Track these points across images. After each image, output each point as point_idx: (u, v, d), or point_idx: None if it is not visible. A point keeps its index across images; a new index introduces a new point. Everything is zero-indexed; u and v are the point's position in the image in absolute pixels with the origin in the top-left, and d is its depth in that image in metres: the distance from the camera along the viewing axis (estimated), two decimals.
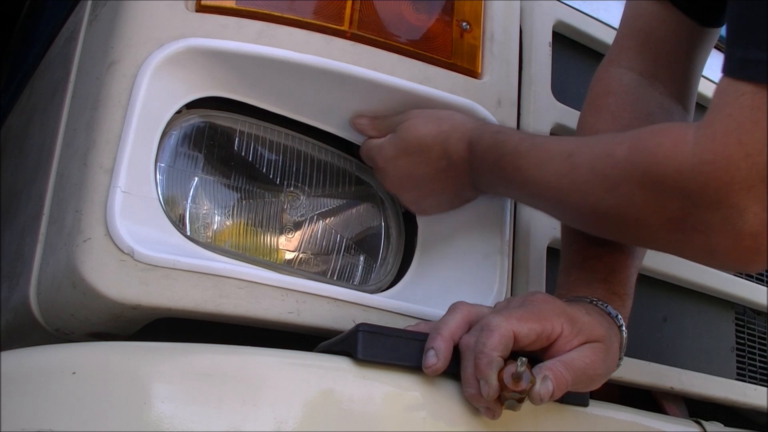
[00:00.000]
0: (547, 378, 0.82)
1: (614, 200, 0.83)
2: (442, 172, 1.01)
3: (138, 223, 0.87)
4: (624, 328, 0.93)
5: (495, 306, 0.90)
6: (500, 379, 0.81)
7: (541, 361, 0.85)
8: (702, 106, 1.37)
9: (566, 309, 0.88)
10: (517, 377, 0.80)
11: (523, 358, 0.80)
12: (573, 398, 0.92)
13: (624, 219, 0.84)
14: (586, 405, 0.94)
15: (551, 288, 1.06)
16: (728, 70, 0.80)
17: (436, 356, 0.83)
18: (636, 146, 0.81)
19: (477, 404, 0.84)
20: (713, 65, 1.41)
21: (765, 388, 1.33)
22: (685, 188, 0.77)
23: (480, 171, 0.98)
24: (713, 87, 1.38)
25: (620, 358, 0.93)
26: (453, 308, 0.88)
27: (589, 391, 0.93)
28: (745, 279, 1.36)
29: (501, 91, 1.11)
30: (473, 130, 0.99)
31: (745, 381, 1.33)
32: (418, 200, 1.05)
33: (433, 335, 0.85)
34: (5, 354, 0.84)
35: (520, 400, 0.82)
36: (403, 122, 1.02)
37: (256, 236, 1.01)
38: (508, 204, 1.08)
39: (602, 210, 0.85)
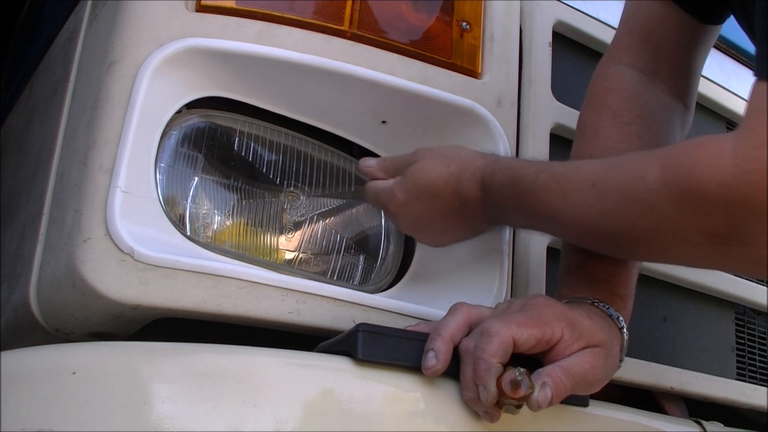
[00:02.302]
0: (546, 385, 0.82)
1: (650, 223, 0.80)
2: (456, 211, 0.99)
3: (138, 223, 0.87)
4: (625, 330, 0.93)
5: (495, 307, 0.90)
6: (499, 386, 0.81)
7: (540, 364, 0.85)
8: (708, 110, 1.37)
9: (567, 313, 0.87)
10: (515, 384, 0.80)
11: (521, 369, 0.80)
12: (573, 399, 0.92)
13: (662, 240, 0.82)
14: (586, 405, 0.94)
15: (551, 288, 1.06)
16: (764, 72, 0.77)
17: (436, 358, 0.83)
18: (670, 165, 0.78)
19: (476, 408, 0.84)
20: (712, 64, 1.41)
21: (765, 388, 1.33)
22: (729, 201, 0.74)
23: (496, 208, 0.95)
24: (712, 87, 1.38)
25: (621, 360, 0.93)
26: (453, 309, 0.88)
27: (589, 393, 0.93)
28: (745, 279, 1.36)
29: (501, 91, 1.11)
30: (484, 168, 0.96)
31: (745, 381, 1.33)
32: (434, 238, 1.05)
33: (433, 336, 0.85)
34: (5, 354, 0.84)
35: (519, 406, 0.82)
36: (411, 164, 1.00)
37: (256, 236, 1.01)
38: None
39: (638, 234, 0.83)
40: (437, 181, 0.98)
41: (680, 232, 0.79)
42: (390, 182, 1.02)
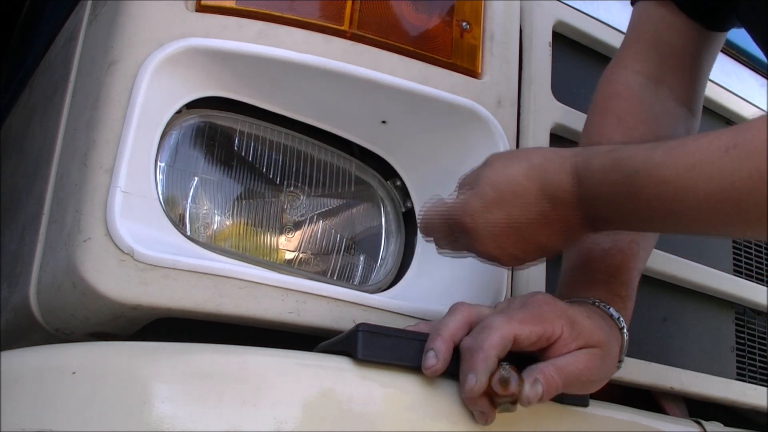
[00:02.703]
0: (538, 381, 0.82)
1: None
2: (545, 214, 0.85)
3: (138, 223, 0.87)
4: (625, 330, 0.93)
5: (495, 307, 0.90)
6: (489, 384, 0.81)
7: (536, 361, 0.85)
8: (708, 109, 1.38)
9: (567, 311, 0.87)
10: (504, 382, 0.80)
11: (507, 365, 0.80)
12: (573, 399, 0.92)
13: None
14: (586, 405, 0.94)
15: (551, 288, 1.06)
16: None
17: (436, 357, 0.83)
18: None
19: (473, 407, 0.84)
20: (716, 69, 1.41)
21: (765, 388, 1.33)
22: None
23: (597, 201, 0.83)
24: (712, 87, 1.38)
25: (620, 361, 0.93)
26: (453, 309, 0.88)
27: (587, 393, 0.93)
28: (745, 279, 1.36)
29: (501, 91, 1.11)
30: (574, 156, 0.85)
31: (745, 381, 1.33)
32: (523, 256, 0.90)
33: (433, 336, 0.85)
34: (5, 354, 0.84)
35: (513, 403, 0.82)
36: (483, 170, 0.89)
37: (256, 236, 1.01)
38: None
39: None
40: (518, 176, 0.85)
41: None
42: (459, 198, 0.89)
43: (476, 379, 0.80)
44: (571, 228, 0.86)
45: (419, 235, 1.10)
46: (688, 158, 0.76)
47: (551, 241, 0.88)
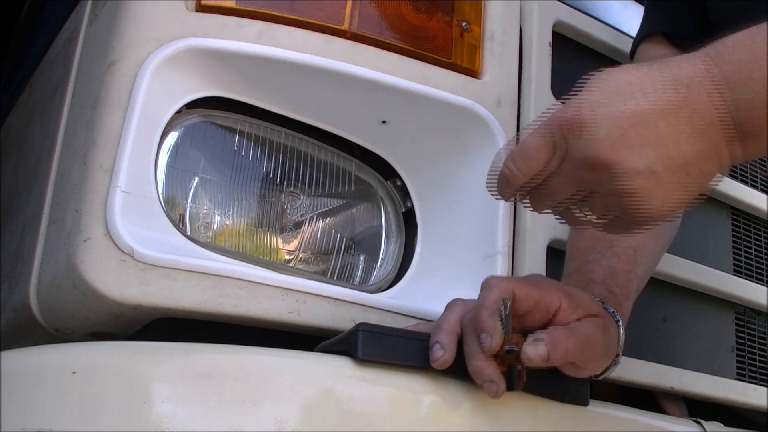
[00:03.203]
0: (540, 341, 0.80)
1: None
2: (673, 105, 0.66)
3: (138, 222, 0.87)
4: (621, 324, 0.92)
5: None
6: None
7: None
8: None
9: (563, 286, 0.87)
10: (506, 319, 0.80)
11: (507, 301, 0.80)
12: (573, 397, 0.92)
13: None
14: (586, 404, 0.94)
15: None
16: None
17: (442, 349, 0.82)
18: None
19: (481, 378, 0.82)
20: None
21: (765, 388, 1.33)
22: None
23: (733, 88, 0.66)
24: None
25: (617, 355, 0.93)
26: (450, 305, 0.88)
27: (587, 373, 0.91)
28: (745, 279, 1.36)
29: (501, 91, 1.11)
30: (703, 52, 0.68)
31: (745, 381, 1.33)
32: (649, 176, 0.68)
33: (436, 331, 0.85)
34: (5, 354, 0.84)
35: (521, 371, 0.81)
36: (588, 79, 0.72)
37: (256, 236, 1.01)
38: (509, 204, 1.08)
39: None
40: (631, 69, 0.70)
41: None
42: (553, 112, 0.72)
43: (490, 337, 0.79)
44: (700, 132, 0.67)
45: (419, 234, 1.10)
46: None
47: (680, 152, 0.67)
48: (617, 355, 0.93)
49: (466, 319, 0.84)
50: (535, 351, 0.79)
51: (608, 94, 0.68)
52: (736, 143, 0.68)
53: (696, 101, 0.67)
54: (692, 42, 0.78)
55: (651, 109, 0.66)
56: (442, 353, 0.82)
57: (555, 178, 0.72)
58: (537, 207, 0.77)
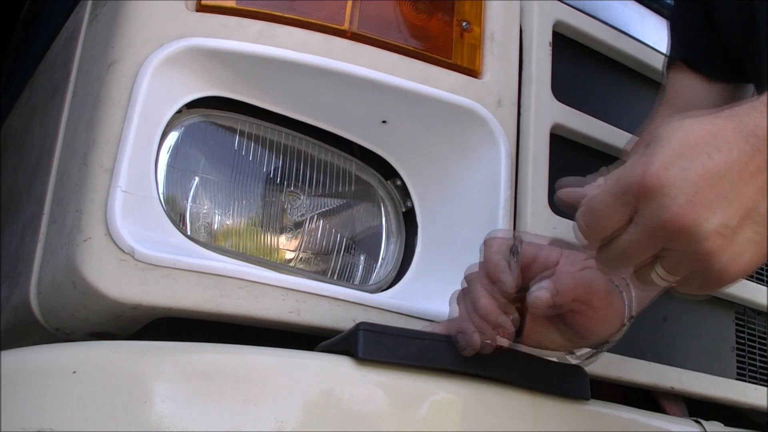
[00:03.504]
0: (544, 284, 0.81)
1: None
2: (748, 163, 0.65)
3: (138, 222, 0.87)
4: (625, 296, 0.86)
5: None
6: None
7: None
8: None
9: (563, 243, 0.87)
10: (514, 251, 0.82)
11: (518, 243, 0.83)
12: (573, 390, 0.92)
13: None
14: (587, 398, 0.94)
15: None
16: None
17: (465, 337, 0.83)
18: None
19: (493, 321, 0.82)
20: None
21: (765, 388, 1.33)
22: None
23: None
24: None
25: (632, 317, 0.87)
26: (454, 298, 0.89)
27: (597, 330, 0.88)
28: (745, 279, 1.36)
29: (501, 91, 1.11)
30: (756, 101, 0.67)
31: (745, 381, 1.33)
32: (729, 233, 0.65)
33: (452, 324, 0.87)
34: (5, 353, 0.84)
35: (521, 316, 0.83)
36: (656, 132, 0.68)
37: (257, 236, 1.01)
38: (508, 204, 1.08)
39: None
40: (702, 124, 0.65)
41: None
42: (619, 170, 0.68)
43: (504, 283, 0.80)
44: None
45: (419, 234, 1.10)
46: None
47: (760, 205, 0.65)
48: (631, 317, 0.87)
49: (470, 274, 0.85)
50: (540, 291, 0.80)
51: (679, 151, 0.65)
52: None
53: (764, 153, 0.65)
54: (710, 64, 0.89)
55: (725, 164, 0.64)
56: (467, 341, 0.83)
57: (626, 238, 0.68)
58: (605, 268, 0.73)
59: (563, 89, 1.19)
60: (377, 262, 1.09)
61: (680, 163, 0.64)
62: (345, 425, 0.78)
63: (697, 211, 0.64)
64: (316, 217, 1.05)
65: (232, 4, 0.96)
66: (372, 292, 1.03)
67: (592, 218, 0.69)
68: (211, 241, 0.98)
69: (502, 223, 1.06)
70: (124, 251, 0.84)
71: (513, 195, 1.09)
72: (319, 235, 1.05)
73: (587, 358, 0.93)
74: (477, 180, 1.08)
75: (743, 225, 0.65)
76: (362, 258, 1.08)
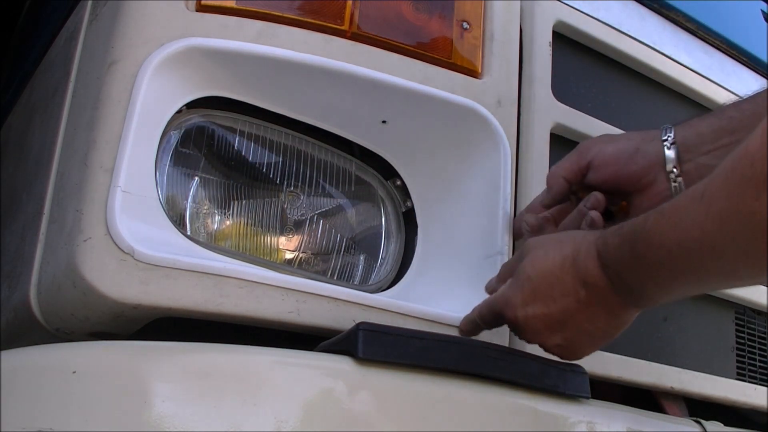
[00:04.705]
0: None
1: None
2: (584, 302, 0.85)
3: (138, 222, 0.87)
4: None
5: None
6: None
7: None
8: (699, 104, 1.38)
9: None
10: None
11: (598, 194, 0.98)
12: (573, 390, 0.92)
13: None
14: (588, 396, 0.94)
15: None
16: None
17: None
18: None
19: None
20: (712, 65, 1.41)
21: (765, 388, 1.33)
22: None
23: (623, 281, 0.83)
24: (712, 86, 1.38)
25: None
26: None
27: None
28: None
29: (501, 91, 1.11)
30: (597, 240, 0.85)
31: (745, 381, 1.33)
32: (567, 344, 0.89)
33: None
34: (5, 353, 0.84)
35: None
36: (521, 260, 0.91)
37: (256, 236, 1.01)
38: (508, 204, 1.08)
39: (762, 227, 0.68)
40: (552, 268, 0.87)
41: None
42: (502, 289, 0.92)
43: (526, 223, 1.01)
44: (612, 310, 0.86)
45: (419, 234, 1.10)
46: (673, 217, 0.76)
47: (596, 326, 0.87)
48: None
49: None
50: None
51: (532, 293, 0.88)
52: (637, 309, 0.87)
53: (600, 298, 0.84)
54: None
55: (563, 312, 0.86)
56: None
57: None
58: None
59: (563, 89, 1.19)
60: (377, 262, 1.09)
61: (528, 307, 0.88)
62: (345, 425, 0.78)
63: (541, 338, 0.90)
64: (316, 217, 1.05)
65: (232, 4, 0.96)
66: (372, 292, 1.03)
67: (480, 318, 0.96)
68: (211, 241, 0.98)
69: (502, 222, 1.06)
70: (124, 251, 0.84)
71: (513, 195, 1.09)
72: (319, 235, 1.05)
73: None
74: (477, 180, 1.09)
75: (577, 342, 0.88)
76: (362, 258, 1.08)
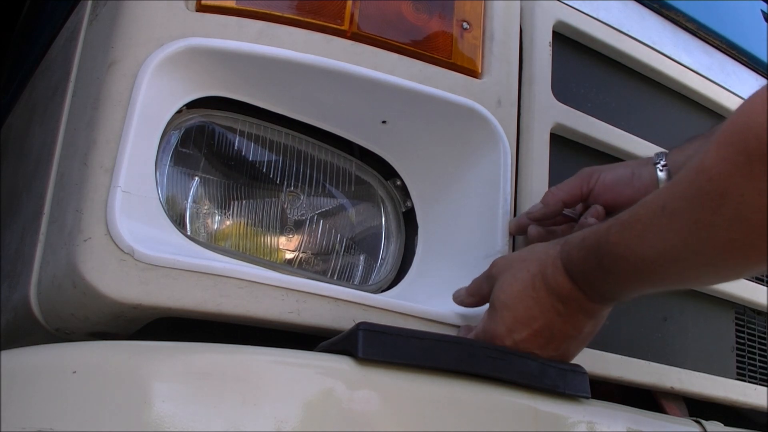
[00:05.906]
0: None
1: (728, 213, 0.71)
2: (565, 315, 0.90)
3: (138, 222, 0.87)
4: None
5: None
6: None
7: None
8: (708, 110, 1.38)
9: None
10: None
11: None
12: (573, 390, 0.92)
13: (751, 225, 0.70)
14: (588, 396, 0.94)
15: None
16: None
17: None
18: (724, 138, 0.70)
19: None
20: (712, 65, 1.41)
21: (765, 388, 1.33)
22: None
23: (595, 290, 0.88)
24: (712, 87, 1.38)
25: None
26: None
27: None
28: (746, 279, 1.36)
29: (501, 91, 1.11)
30: (560, 254, 0.89)
31: (745, 381, 1.33)
32: (560, 352, 0.94)
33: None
34: (5, 353, 0.84)
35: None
36: (492, 285, 0.95)
37: (256, 236, 1.01)
38: (508, 204, 1.08)
39: (723, 238, 0.72)
40: (525, 289, 0.91)
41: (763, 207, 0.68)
42: (481, 324, 0.95)
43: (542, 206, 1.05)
44: (593, 313, 0.91)
45: (419, 235, 1.10)
46: (637, 228, 0.80)
47: (578, 330, 0.92)
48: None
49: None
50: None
51: (511, 323, 0.91)
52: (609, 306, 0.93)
53: (576, 306, 0.89)
54: None
55: (548, 328, 0.91)
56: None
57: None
58: None
59: (563, 89, 1.19)
60: (377, 262, 1.09)
61: (514, 334, 0.91)
62: (345, 425, 0.78)
63: (537, 352, 0.92)
64: (316, 217, 1.05)
65: (232, 4, 0.96)
66: (372, 292, 1.03)
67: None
68: (211, 241, 0.98)
69: (502, 223, 1.06)
70: (124, 251, 0.84)
71: (513, 195, 1.09)
72: (319, 235, 1.05)
73: None
74: (477, 180, 1.09)
75: (563, 347, 0.93)
76: (362, 258, 1.08)
